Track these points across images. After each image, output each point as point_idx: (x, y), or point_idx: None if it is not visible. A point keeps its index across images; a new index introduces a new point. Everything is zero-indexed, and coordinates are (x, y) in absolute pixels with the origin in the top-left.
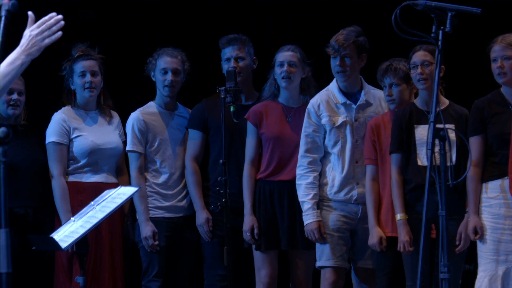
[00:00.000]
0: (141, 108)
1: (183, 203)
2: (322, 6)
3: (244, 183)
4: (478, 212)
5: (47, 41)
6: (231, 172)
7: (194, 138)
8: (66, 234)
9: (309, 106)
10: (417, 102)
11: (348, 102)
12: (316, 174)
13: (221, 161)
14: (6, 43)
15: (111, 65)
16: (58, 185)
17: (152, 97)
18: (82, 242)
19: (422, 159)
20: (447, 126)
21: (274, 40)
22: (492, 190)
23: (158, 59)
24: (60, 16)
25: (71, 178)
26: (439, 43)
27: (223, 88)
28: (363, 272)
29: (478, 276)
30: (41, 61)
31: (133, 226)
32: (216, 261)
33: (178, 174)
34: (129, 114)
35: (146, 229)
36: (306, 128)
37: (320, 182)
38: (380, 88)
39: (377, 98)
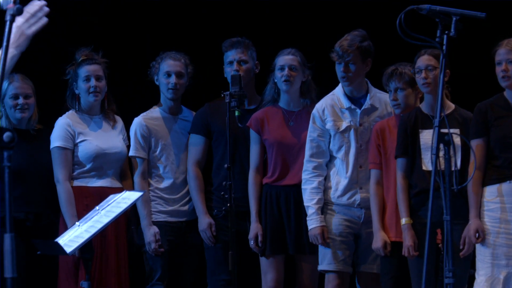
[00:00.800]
0: (144, 113)
1: (186, 207)
2: (326, 9)
3: (250, 190)
4: (479, 215)
5: (33, 28)
6: (235, 176)
7: (197, 143)
8: (71, 238)
9: (314, 110)
10: (423, 106)
11: (352, 106)
12: (321, 178)
13: (225, 165)
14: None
15: (113, 69)
16: (63, 190)
17: (154, 101)
18: (87, 246)
19: (427, 164)
20: (452, 130)
21: (275, 43)
22: (491, 193)
23: (161, 63)
24: (43, 2)
25: (77, 183)
26: (444, 47)
27: (228, 92)
28: (367, 276)
29: (478, 280)
30: (46, 65)
31: (137, 230)
32: (220, 266)
33: (182, 179)
34: (131, 118)
35: (150, 234)
36: (311, 133)
37: (324, 186)
38: (386, 92)
39: (383, 102)
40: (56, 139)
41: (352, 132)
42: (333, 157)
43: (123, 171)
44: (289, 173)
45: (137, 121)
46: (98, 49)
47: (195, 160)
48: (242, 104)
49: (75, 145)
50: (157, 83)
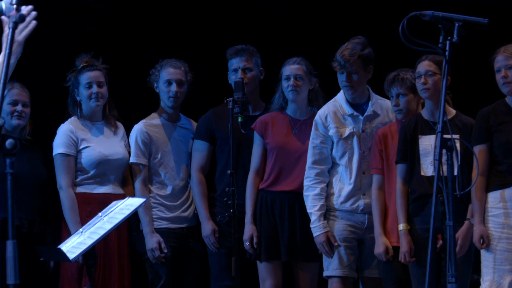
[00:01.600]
0: (144, 120)
1: (187, 213)
2: (329, 15)
3: (247, 192)
4: (483, 221)
5: (24, 33)
6: (238, 182)
7: (201, 149)
8: (74, 245)
9: (317, 117)
10: (423, 112)
11: (355, 113)
12: (323, 185)
13: (228, 171)
14: None
15: (112, 75)
16: (67, 196)
17: (154, 108)
18: (90, 253)
19: (425, 170)
20: (453, 136)
21: (281, 47)
22: (494, 199)
23: (161, 71)
24: (30, 7)
25: (80, 189)
26: (447, 53)
27: (231, 98)
28: (371, 281)
29: (483, 286)
30: (46, 73)
31: (138, 237)
32: (223, 272)
33: (182, 185)
34: (130, 125)
35: (152, 241)
36: (314, 140)
37: (326, 193)
38: (388, 98)
39: (384, 108)
40: (59, 146)
41: (355, 139)
42: (336, 164)
43: (125, 177)
44: (286, 179)
45: (138, 127)
46: (97, 55)
47: (198, 166)
48: (246, 110)
49: (78, 151)
50: (157, 90)
